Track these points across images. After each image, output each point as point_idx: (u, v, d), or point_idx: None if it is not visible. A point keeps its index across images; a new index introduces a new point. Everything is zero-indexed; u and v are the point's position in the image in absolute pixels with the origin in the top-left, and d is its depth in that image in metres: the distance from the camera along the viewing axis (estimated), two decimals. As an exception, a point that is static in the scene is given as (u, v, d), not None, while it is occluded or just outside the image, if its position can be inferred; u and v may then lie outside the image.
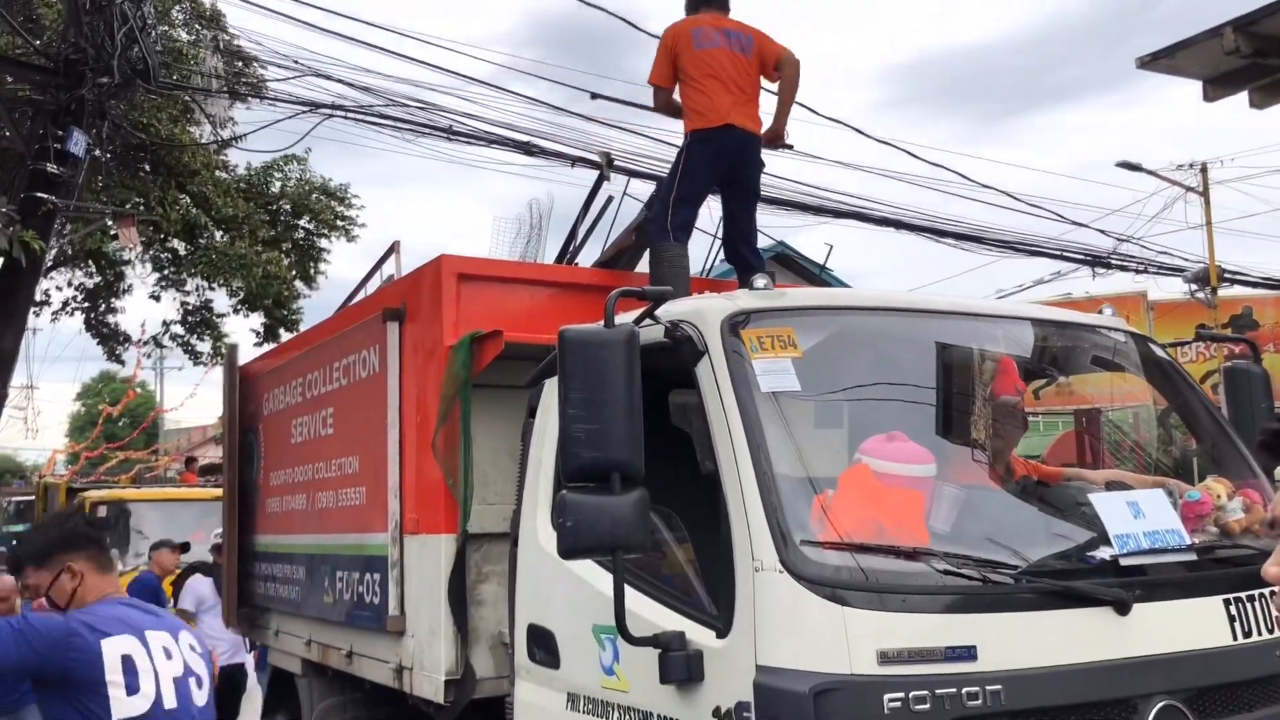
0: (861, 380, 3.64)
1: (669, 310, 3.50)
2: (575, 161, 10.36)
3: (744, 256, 5.16)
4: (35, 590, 3.32)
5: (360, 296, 6.35)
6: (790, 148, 5.69)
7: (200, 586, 8.61)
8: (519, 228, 5.80)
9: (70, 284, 16.77)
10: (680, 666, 3.11)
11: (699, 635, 3.15)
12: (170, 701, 3.19)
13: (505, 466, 4.72)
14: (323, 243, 17.70)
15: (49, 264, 11.16)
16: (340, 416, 5.69)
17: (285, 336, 15.81)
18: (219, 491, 15.36)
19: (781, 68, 5.36)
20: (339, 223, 17.42)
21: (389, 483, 5.01)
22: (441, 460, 4.61)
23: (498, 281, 4.94)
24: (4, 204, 8.51)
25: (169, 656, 3.23)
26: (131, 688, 3.10)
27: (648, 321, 3.44)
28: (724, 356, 3.28)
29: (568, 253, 5.63)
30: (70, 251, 14.87)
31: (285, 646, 6.51)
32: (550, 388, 4.11)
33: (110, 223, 13.26)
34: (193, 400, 43.19)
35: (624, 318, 3.30)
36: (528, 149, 10.48)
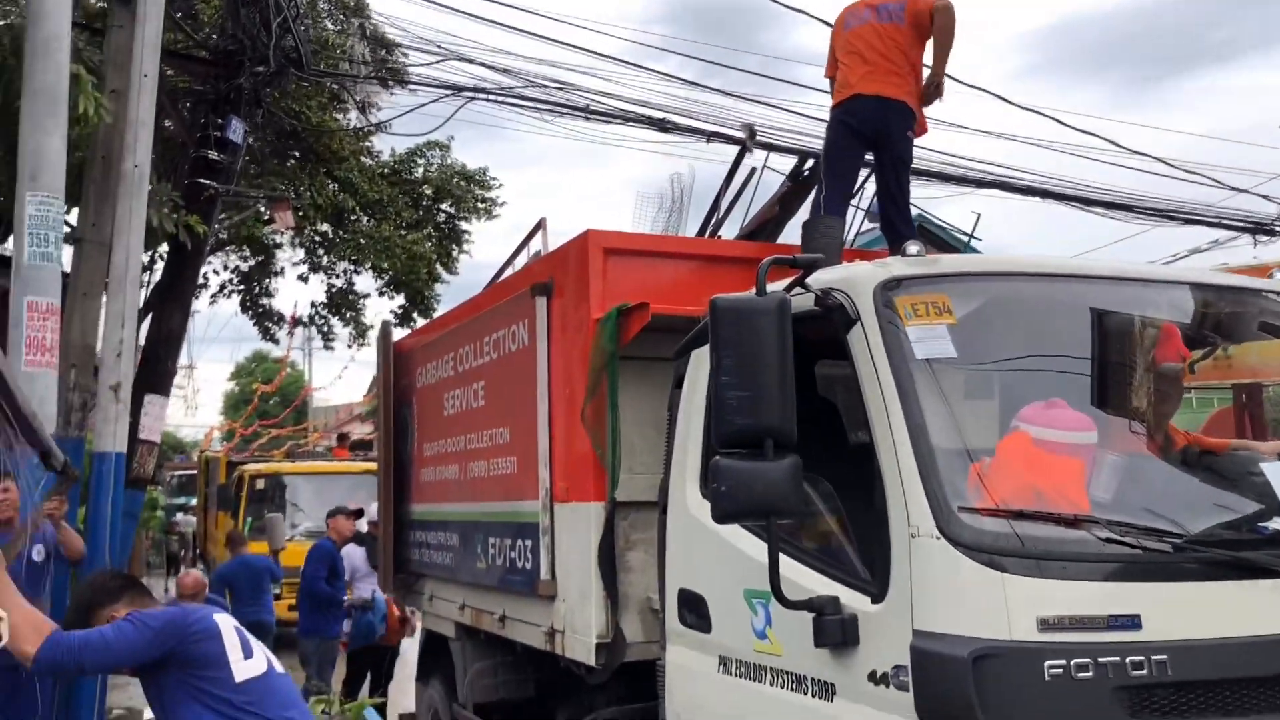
0: (1018, 347, 3.59)
1: (819, 279, 3.51)
2: (710, 136, 10.36)
3: (896, 226, 5.13)
4: None
5: (507, 273, 6.51)
6: (940, 98, 5.58)
7: (353, 556, 8.96)
8: (661, 202, 5.87)
9: (226, 267, 17.58)
10: (834, 630, 3.14)
11: (853, 600, 3.18)
12: (274, 664, 3.39)
13: (651, 437, 4.81)
14: (464, 225, 18.15)
15: (208, 248, 11.70)
16: (491, 389, 5.86)
17: (418, 320, 16.27)
18: (369, 465, 15.99)
19: (934, 18, 5.30)
20: (479, 205, 17.82)
21: (539, 452, 5.15)
22: (590, 430, 4.72)
23: (643, 255, 5.02)
24: (169, 190, 8.97)
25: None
26: (247, 652, 3.29)
27: (798, 290, 3.46)
28: (877, 323, 3.28)
29: (710, 225, 5.68)
30: (226, 237, 15.58)
31: (439, 611, 6.76)
32: (697, 359, 4.18)
33: (263, 209, 13.86)
34: (339, 379, 45.01)
35: (773, 287, 3.33)
36: (662, 125, 10.53)
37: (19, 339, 6.78)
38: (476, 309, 6.30)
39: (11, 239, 8.12)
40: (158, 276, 11.16)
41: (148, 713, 8.01)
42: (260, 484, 14.87)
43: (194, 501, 23.05)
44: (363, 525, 9.26)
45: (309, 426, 37.96)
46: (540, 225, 6.22)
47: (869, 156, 5.32)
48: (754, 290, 3.25)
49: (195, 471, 21.52)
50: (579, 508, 4.87)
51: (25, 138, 7.01)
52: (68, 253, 7.70)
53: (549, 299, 5.19)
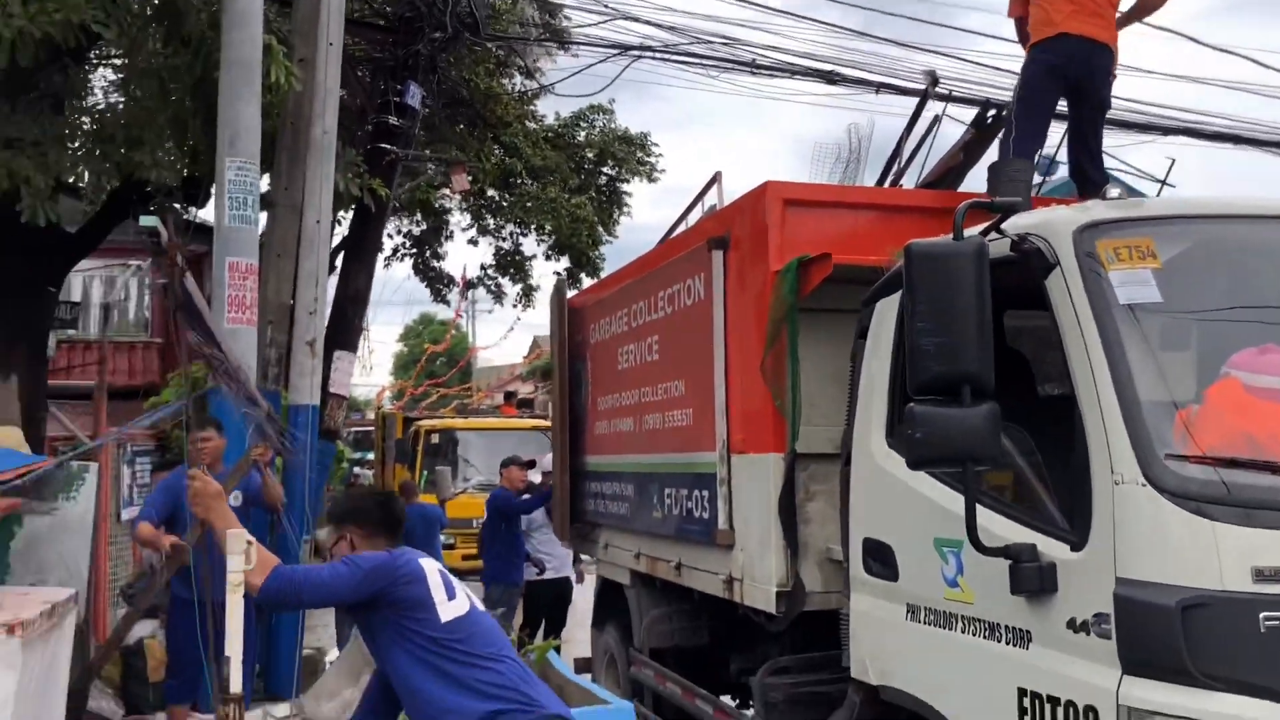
0: (1226, 292, 3.45)
1: (1015, 224, 3.44)
2: (879, 88, 10.17)
3: (1088, 173, 4.96)
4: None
5: (681, 229, 6.57)
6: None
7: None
8: (838, 153, 5.82)
9: (399, 231, 18.23)
10: (1032, 578, 3.11)
11: (1051, 548, 3.14)
12: (475, 603, 3.53)
13: (830, 390, 4.81)
14: (624, 187, 18.35)
15: (389, 212, 12.13)
16: (665, 343, 5.95)
17: (585, 280, 16.54)
18: (536, 422, 16.44)
19: None
20: (640, 168, 17.97)
21: (716, 405, 5.21)
22: (769, 383, 4.75)
23: (822, 206, 5.00)
24: (353, 155, 9.36)
25: None
26: (450, 593, 3.42)
27: (993, 235, 3.40)
28: (1078, 268, 3.20)
29: (889, 175, 5.60)
30: (400, 203, 16.17)
31: (614, 559, 6.93)
32: (882, 309, 4.16)
33: (436, 173, 14.30)
34: (505, 340, 46.28)
35: (966, 233, 3.28)
36: (830, 78, 10.39)
37: (221, 298, 7.23)
38: (649, 265, 6.38)
39: (211, 204, 8.65)
40: (337, 240, 11.69)
41: (333, 652, 8.49)
42: (435, 439, 15.45)
43: (370, 456, 24.10)
44: (535, 477, 9.52)
45: (473, 386, 39.06)
46: (715, 180, 6.25)
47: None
48: (950, 236, 3.21)
49: (371, 428, 22.44)
50: (757, 459, 4.92)
51: (224, 107, 7.44)
52: (262, 218, 8.15)
53: (725, 252, 5.23)
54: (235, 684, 2.92)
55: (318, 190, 8.15)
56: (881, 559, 3.93)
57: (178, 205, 8.91)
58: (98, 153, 8.15)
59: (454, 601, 3.40)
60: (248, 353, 7.19)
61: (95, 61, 9.43)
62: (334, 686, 5.88)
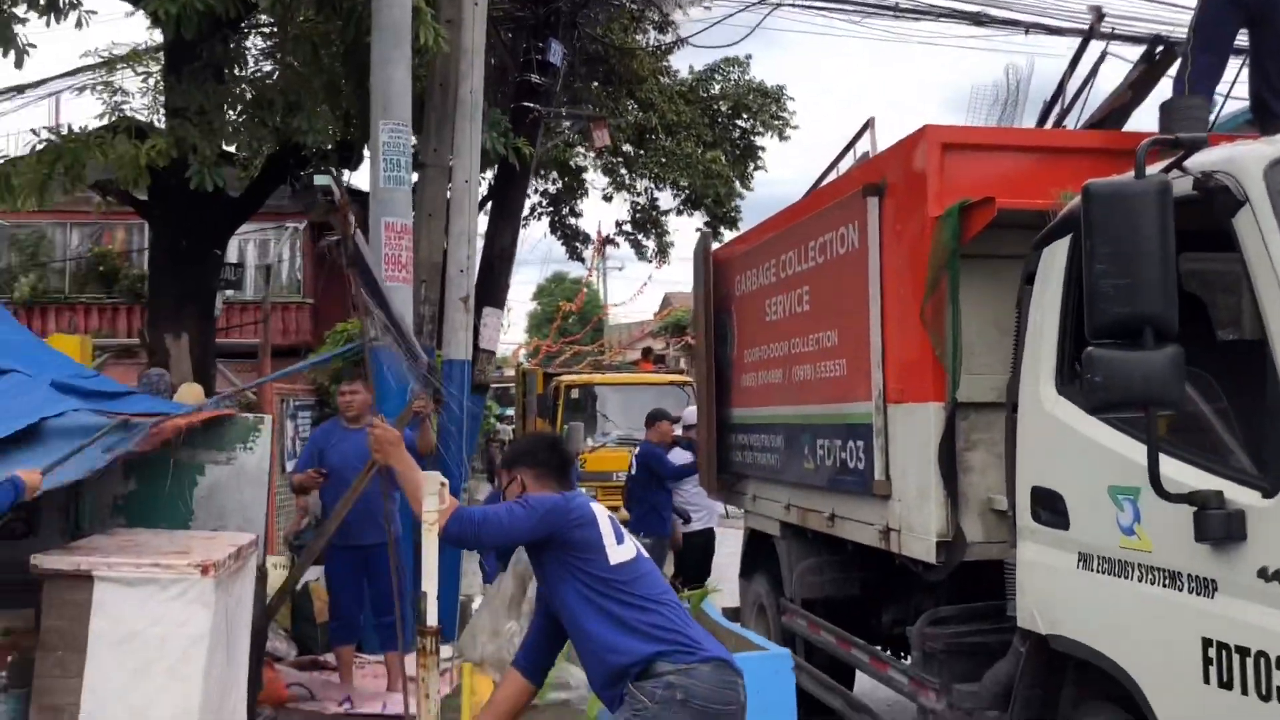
0: None
1: (1197, 162, 3.31)
2: (1029, 28, 9.83)
3: (1270, 107, 4.71)
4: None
5: (831, 178, 6.51)
6: None
7: (680, 459, 9.30)
8: (995, 96, 5.67)
9: (536, 191, 18.49)
10: (1219, 525, 3.02)
11: (1239, 495, 3.04)
12: (641, 551, 3.59)
13: (992, 337, 4.72)
14: (759, 141, 18.22)
15: (533, 169, 12.32)
16: (817, 293, 5.92)
17: (724, 234, 16.52)
18: (672, 377, 16.57)
19: None
20: (774, 122, 17.80)
21: (871, 355, 5.17)
22: (929, 330, 4.68)
23: (983, 150, 4.88)
24: (499, 115, 9.52)
25: None
26: (619, 538, 3.50)
27: (1175, 173, 3.28)
28: (1270, 204, 3.07)
29: (1051, 116, 5.43)
30: (537, 162, 16.42)
31: (763, 510, 6.97)
32: (1050, 254, 4.06)
33: (573, 131, 14.44)
34: (640, 295, 46.74)
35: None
36: (978, 19, 10.08)
37: (378, 258, 7.48)
38: (798, 215, 6.34)
39: (364, 167, 8.92)
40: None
41: (479, 600, 8.73)
42: (574, 394, 15.73)
43: (510, 411, 24.66)
44: (677, 430, 9.62)
45: (605, 343, 39.49)
46: (868, 126, 6.16)
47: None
48: (1129, 175, 3.12)
49: (510, 384, 22.95)
50: (915, 408, 4.87)
51: (375, 70, 7.64)
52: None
53: (880, 199, 5.16)
54: (432, 617, 3.06)
55: (466, 150, 8.33)
56: (1051, 507, 3.86)
57: (332, 169, 9.20)
58: (257, 120, 8.49)
59: (622, 546, 3.49)
60: (404, 310, 7.44)
61: (248, 30, 9.79)
62: (492, 624, 6.11)
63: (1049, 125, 5.49)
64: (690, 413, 10.38)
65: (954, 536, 4.63)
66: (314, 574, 7.31)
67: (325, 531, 6.38)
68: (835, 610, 6.16)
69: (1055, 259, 4.00)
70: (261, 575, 5.98)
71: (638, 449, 9.24)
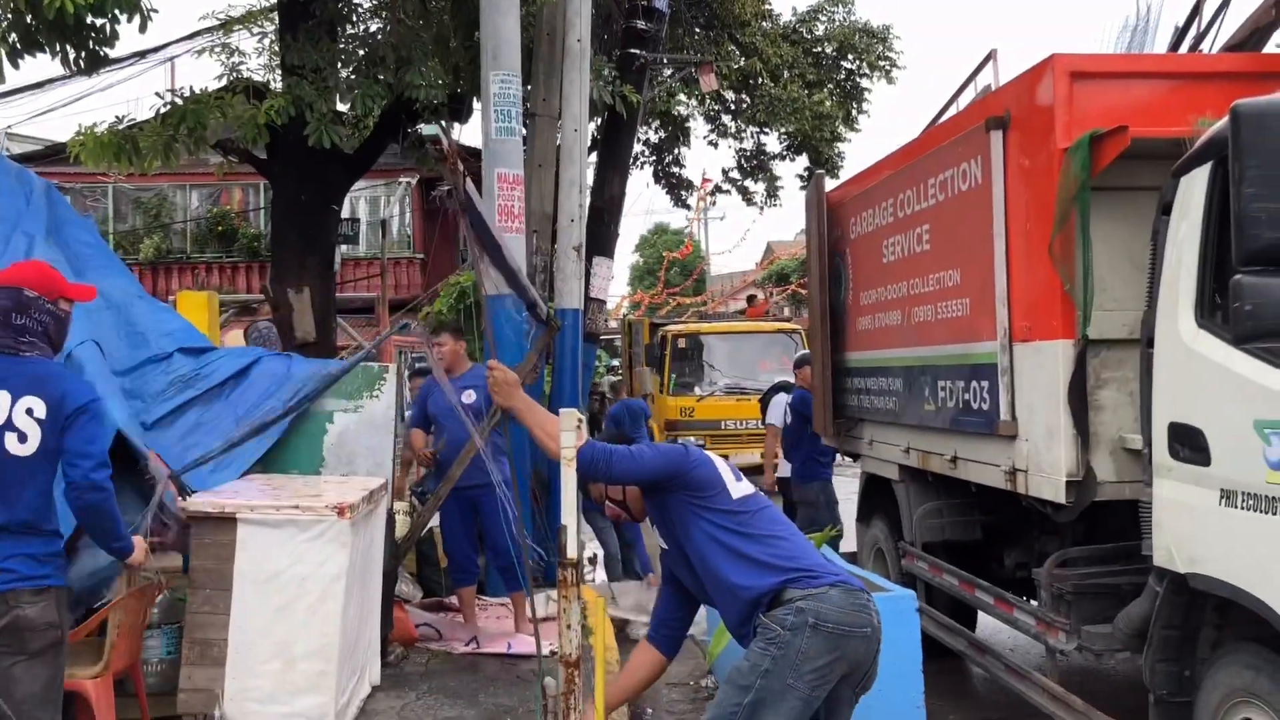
0: None
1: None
2: (1155, -47, 9.38)
3: None
4: None
5: (950, 114, 6.35)
6: None
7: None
8: (1125, 22, 5.45)
9: (639, 140, 18.44)
10: (1377, 457, 2.90)
11: (1400, 426, 2.91)
12: (759, 492, 3.63)
13: (1125, 271, 4.59)
14: (864, 83, 17.85)
15: (640, 117, 12.27)
16: (938, 232, 5.80)
17: (829, 178, 16.30)
18: (780, 325, 16.48)
19: None
20: (880, 63, 17.42)
21: (996, 292, 5.06)
22: (1059, 266, 4.57)
23: (1114, 78, 4.70)
24: (605, 63, 9.51)
25: None
26: (737, 476, 3.56)
27: (1330, 91, 3.13)
28: None
29: (1185, 40, 5.20)
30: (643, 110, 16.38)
31: (880, 455, 6.91)
32: (1190, 182, 3.91)
33: (670, 75, 14.33)
34: (743, 242, 46.66)
35: None
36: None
37: (491, 209, 7.56)
38: (917, 152, 6.20)
39: (475, 120, 9.00)
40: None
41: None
42: (682, 343, 15.75)
43: (616, 362, 24.84)
44: (788, 377, 9.59)
45: (709, 295, 39.41)
46: (990, 57, 5.98)
47: None
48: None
49: (615, 335, 23.11)
50: (1043, 346, 4.76)
51: (484, 20, 7.68)
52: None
53: (1005, 133, 5.02)
54: (571, 550, 3.13)
55: (575, 99, 8.35)
56: (1190, 444, 3.75)
57: (443, 122, 9.31)
58: (369, 76, 8.62)
59: (741, 483, 3.55)
60: (519, 261, 7.53)
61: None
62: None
63: (1183, 50, 5.26)
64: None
65: (1084, 476, 4.55)
66: (437, 520, 7.52)
67: (451, 478, 6.55)
68: (955, 554, 6.11)
69: (1194, 187, 3.85)
70: (390, 518, 6.17)
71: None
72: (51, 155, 15.45)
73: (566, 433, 3.13)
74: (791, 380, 9.66)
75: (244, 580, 4.66)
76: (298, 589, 4.66)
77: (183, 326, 6.78)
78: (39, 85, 10.61)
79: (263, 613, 4.64)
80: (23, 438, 3.45)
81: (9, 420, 3.44)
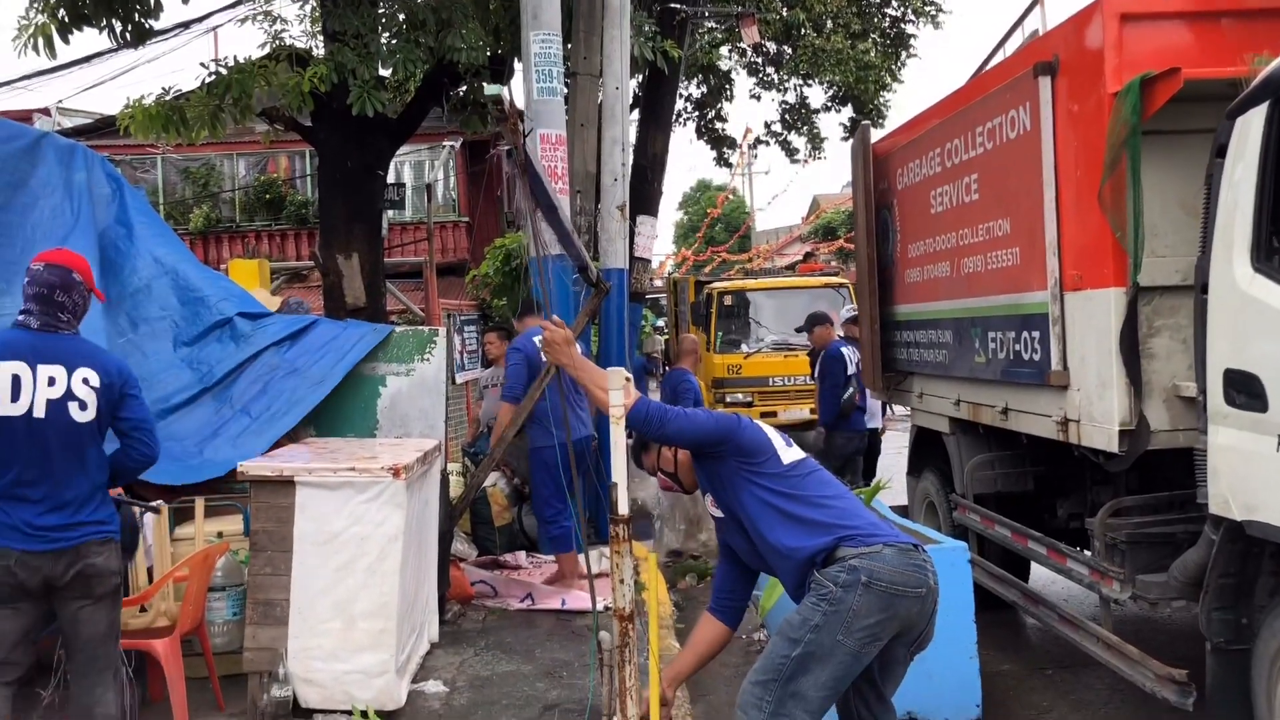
0: None
1: None
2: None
3: None
4: None
5: (997, 60, 6.24)
6: None
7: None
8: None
9: (681, 95, 18.31)
10: None
11: None
12: (808, 455, 3.62)
13: (1176, 217, 4.53)
14: (910, 29, 17.55)
15: (682, 72, 12.16)
16: (986, 181, 5.73)
17: (874, 129, 16.08)
18: (827, 279, 16.36)
19: None
20: (926, 7, 17.11)
21: (1046, 241, 5.00)
22: (1109, 213, 4.50)
23: (1165, 19, 4.59)
24: (646, 19, 9.43)
25: None
26: (787, 442, 3.57)
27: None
28: None
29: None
30: (684, 65, 16.24)
31: (930, 407, 6.88)
32: (1245, 123, 3.84)
33: (712, 26, 14.19)
34: (785, 192, 46.21)
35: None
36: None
37: (537, 170, 7.57)
38: (964, 100, 6.11)
39: (516, 81, 8.99)
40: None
41: (642, 491, 8.89)
42: (728, 300, 15.67)
43: (661, 322, 24.84)
44: (839, 330, 9.56)
45: (754, 252, 39.18)
46: (1037, 1, 5.86)
47: None
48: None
49: (660, 294, 23.09)
50: (1094, 295, 4.71)
51: (525, -23, 7.65)
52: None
53: (1053, 78, 4.94)
54: (623, 506, 3.17)
55: (616, 56, 8.31)
56: (1246, 390, 3.71)
57: (485, 84, 9.31)
58: (411, 40, 8.63)
59: (791, 449, 3.56)
60: (568, 220, 7.54)
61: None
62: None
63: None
64: (846, 312, 10.29)
65: (1137, 425, 4.51)
66: (490, 479, 7.61)
67: (503, 439, 6.62)
68: (1007, 506, 6.09)
69: (1250, 128, 3.78)
70: (444, 479, 6.27)
71: (841, 350, 9.11)
72: (102, 128, 15.65)
73: (614, 391, 3.16)
74: (840, 334, 9.63)
75: (304, 542, 4.76)
76: (356, 549, 4.76)
77: (240, 292, 6.93)
78: (87, 59, 10.72)
79: (323, 573, 4.74)
80: (83, 406, 3.74)
81: (69, 391, 3.72)
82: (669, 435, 3.52)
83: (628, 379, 3.21)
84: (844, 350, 8.89)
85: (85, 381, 3.74)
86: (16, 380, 3.63)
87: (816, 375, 9.21)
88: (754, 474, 3.46)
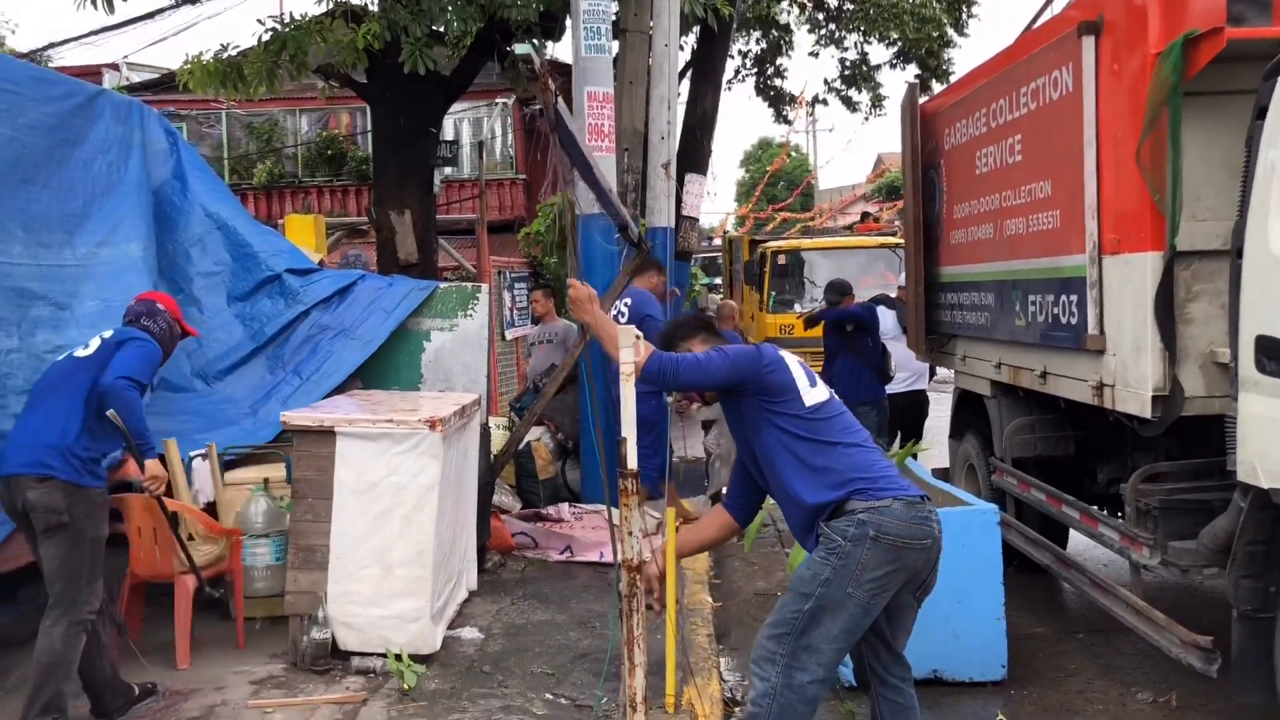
0: None
1: None
2: None
3: None
4: None
5: (1046, 17, 6.14)
6: None
7: (885, 319, 9.19)
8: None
9: (739, 52, 18.12)
10: None
11: None
12: (833, 395, 3.61)
13: (1218, 180, 4.45)
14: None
15: (733, 29, 12.05)
16: (1029, 142, 5.67)
17: (937, 88, 15.79)
18: (882, 239, 16.20)
19: None
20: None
21: (1086, 204, 4.95)
22: (1147, 175, 4.44)
23: (1213, -24, 4.49)
24: (699, -26, 9.37)
25: None
26: (811, 382, 3.54)
27: None
28: None
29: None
30: (738, 21, 16.04)
31: (972, 370, 6.85)
32: (1286, 83, 3.76)
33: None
34: (844, 151, 45.62)
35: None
36: None
37: (581, 128, 7.60)
38: (1009, 60, 6.03)
39: (566, 39, 9.00)
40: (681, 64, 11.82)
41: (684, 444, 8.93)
42: (782, 259, 15.62)
43: (718, 280, 24.80)
44: (892, 291, 9.50)
45: (816, 210, 38.83)
46: (1085, -41, 5.73)
47: None
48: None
49: (717, 254, 23.09)
50: (1131, 259, 4.66)
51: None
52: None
53: (1097, 39, 4.86)
54: (631, 460, 3.24)
55: (665, 13, 8.29)
56: (1278, 357, 3.66)
57: (535, 41, 9.33)
58: (461, -2, 8.65)
59: (815, 389, 3.54)
60: (609, 179, 7.58)
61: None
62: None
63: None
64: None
65: (1171, 390, 4.47)
66: (535, 434, 7.74)
67: (545, 394, 6.73)
68: (1048, 470, 6.06)
69: (1292, 90, 3.70)
70: (485, 433, 6.39)
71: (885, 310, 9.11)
72: (168, 83, 15.95)
73: (625, 348, 3.22)
74: (892, 294, 9.58)
75: (344, 490, 4.91)
76: (393, 498, 4.90)
77: (289, 247, 7.09)
78: (150, 15, 10.95)
79: (361, 521, 4.90)
80: (86, 346, 4.35)
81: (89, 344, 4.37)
82: (683, 385, 3.58)
83: (638, 336, 3.26)
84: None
85: (102, 334, 4.40)
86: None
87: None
88: (775, 413, 3.46)
